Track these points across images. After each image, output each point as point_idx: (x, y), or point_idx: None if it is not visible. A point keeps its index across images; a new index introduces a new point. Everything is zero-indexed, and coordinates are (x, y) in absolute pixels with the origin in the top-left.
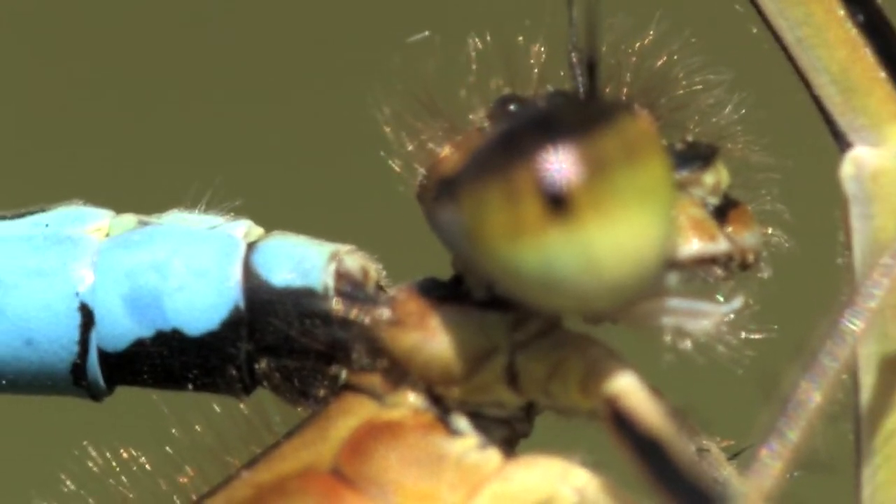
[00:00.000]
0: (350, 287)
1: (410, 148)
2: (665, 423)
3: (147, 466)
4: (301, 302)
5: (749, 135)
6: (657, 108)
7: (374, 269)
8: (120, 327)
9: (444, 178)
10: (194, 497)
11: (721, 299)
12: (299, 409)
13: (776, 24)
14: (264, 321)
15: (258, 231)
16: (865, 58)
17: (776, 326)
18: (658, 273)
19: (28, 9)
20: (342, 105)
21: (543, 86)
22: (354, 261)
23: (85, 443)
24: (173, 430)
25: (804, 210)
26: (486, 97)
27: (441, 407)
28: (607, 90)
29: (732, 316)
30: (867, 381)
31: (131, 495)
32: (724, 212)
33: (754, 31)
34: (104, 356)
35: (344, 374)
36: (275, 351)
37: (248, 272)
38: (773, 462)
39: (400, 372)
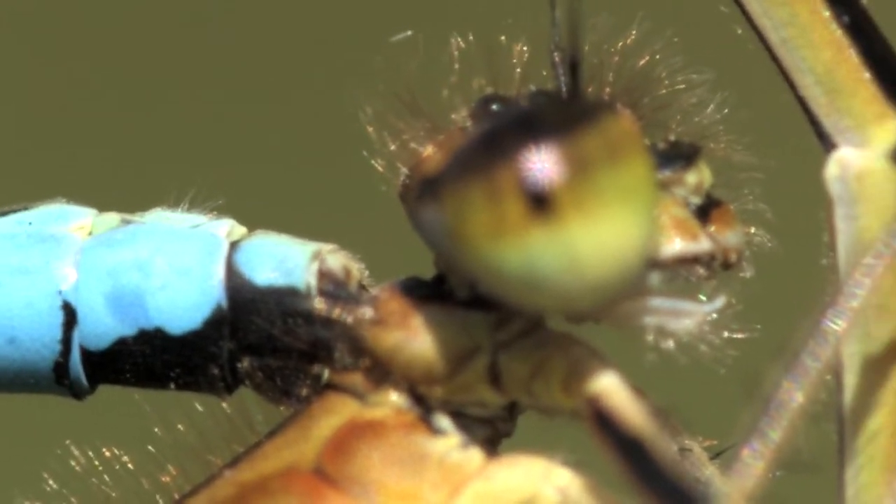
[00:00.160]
0: (332, 286)
1: (393, 147)
2: (647, 423)
3: (129, 465)
4: (283, 301)
5: (732, 134)
6: (640, 108)
7: (357, 269)
8: (102, 326)
9: (426, 178)
10: (177, 496)
11: (703, 299)
12: (282, 409)
13: (761, 25)
14: (247, 320)
15: (241, 230)
16: (850, 59)
17: (759, 326)
18: (640, 272)
19: (27, 9)
20: (325, 105)
21: (526, 85)
22: (337, 260)
23: (67, 442)
24: (156, 429)
25: (788, 210)
26: (469, 97)
27: (423, 406)
28: (590, 90)
29: (715, 315)
30: (850, 381)
31: (114, 494)
32: (706, 211)
33: (739, 31)
34: (87, 355)
35: (326, 373)
36: (257, 350)
37: (231, 271)
38: (755, 462)
39: (382, 371)
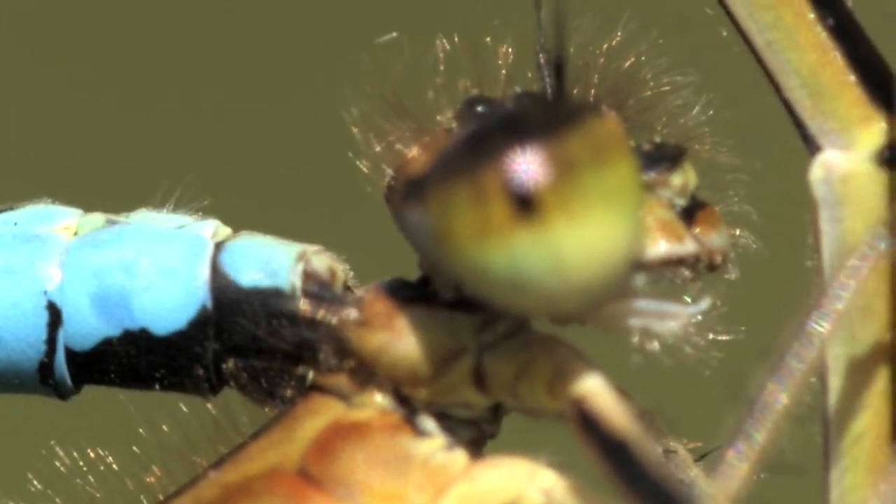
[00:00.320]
0: (317, 287)
1: (378, 148)
2: (631, 425)
3: (114, 466)
4: (268, 302)
5: (717, 136)
6: (625, 110)
7: (342, 270)
8: (87, 326)
9: (411, 179)
10: (161, 497)
11: (688, 300)
12: (266, 409)
13: (746, 27)
14: (232, 321)
15: (226, 231)
16: (835, 61)
17: (743, 328)
18: (625, 274)
19: (27, 8)
20: (310, 106)
21: (511, 87)
22: (322, 261)
23: (52, 442)
24: (140, 430)
25: (773, 212)
26: (454, 98)
27: (408, 407)
28: (575, 91)
29: (700, 317)
30: (835, 383)
31: (98, 495)
32: (691, 213)
33: (724, 33)
34: (71, 355)
35: (311, 374)
36: (242, 351)
37: (216, 272)
38: (739, 463)
39: (367, 372)
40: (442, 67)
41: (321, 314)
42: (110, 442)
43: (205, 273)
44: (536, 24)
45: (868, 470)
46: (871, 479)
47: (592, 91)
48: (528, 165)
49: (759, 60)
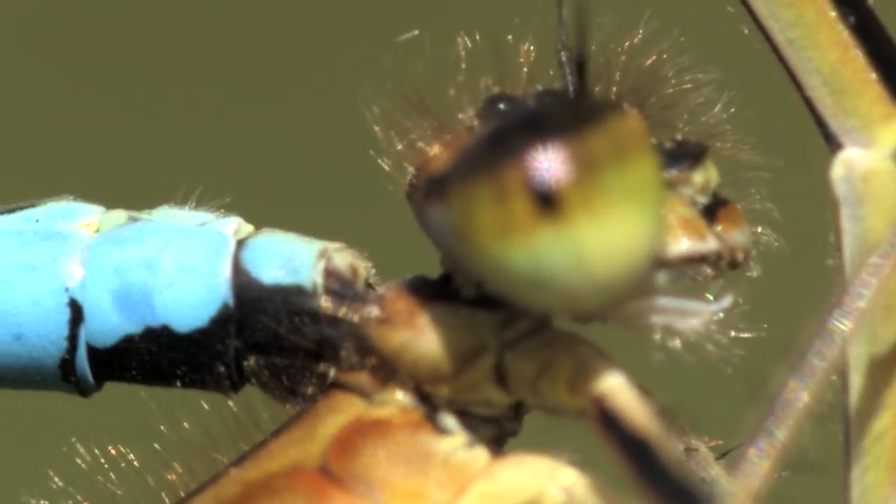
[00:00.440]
0: (339, 285)
1: (400, 147)
2: (652, 423)
3: (135, 463)
4: (290, 299)
5: (738, 134)
6: (646, 107)
7: (364, 267)
8: (109, 323)
9: (433, 177)
10: (182, 494)
11: (710, 298)
12: (288, 407)
13: (767, 25)
14: (253, 318)
15: (248, 228)
16: (856, 59)
17: (765, 325)
18: (647, 272)
19: (28, 9)
20: (332, 103)
21: (533, 85)
22: (343, 258)
23: (73, 439)
24: (162, 427)
25: (794, 210)
26: (476, 96)
27: (429, 405)
28: (596, 89)
29: (721, 315)
30: (856, 381)
31: (119, 492)
32: (713, 211)
33: (745, 31)
34: (93, 352)
35: (332, 371)
36: (263, 348)
37: (238, 269)
38: (761, 462)
39: (388, 370)
40: (463, 65)
41: (343, 312)
42: (131, 439)
43: (227, 270)
44: (558, 21)
45: (889, 468)
46: (893, 477)
47: (614, 89)
48: (549, 163)
49: (781, 58)
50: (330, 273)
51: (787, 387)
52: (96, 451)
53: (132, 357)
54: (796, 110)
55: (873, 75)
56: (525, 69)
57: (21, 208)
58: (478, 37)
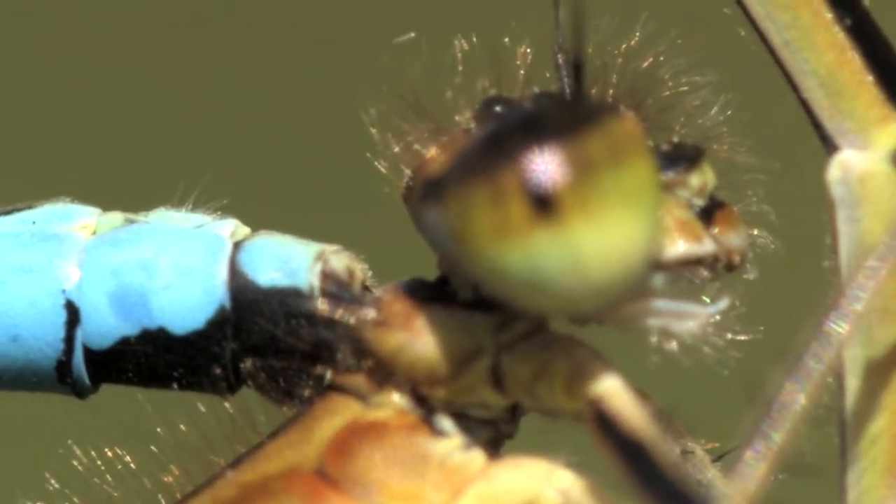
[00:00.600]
0: (336, 287)
1: (396, 149)
2: (649, 426)
3: (132, 465)
4: (287, 302)
5: (735, 136)
6: (643, 110)
7: (360, 270)
8: (105, 325)
9: (430, 179)
10: (179, 496)
11: (707, 300)
12: (284, 409)
13: (763, 27)
14: (250, 320)
15: (244, 230)
16: (853, 61)
17: (762, 328)
18: (644, 274)
19: (28, 9)
20: (329, 106)
21: (529, 87)
22: (340, 261)
23: (70, 441)
24: (158, 429)
25: (791, 212)
26: (473, 98)
27: (426, 407)
28: (593, 91)
29: (718, 317)
30: (852, 384)
31: (116, 494)
32: (709, 213)
33: (742, 33)
34: (89, 354)
35: (329, 374)
36: (260, 350)
37: (234, 271)
38: (757, 464)
39: (385, 372)
40: (460, 67)
41: (339, 314)
42: (128, 441)
43: (223, 272)
44: (555, 24)
45: (885, 471)
46: (889, 479)
47: (611, 91)
48: (546, 165)
49: (777, 60)
50: (326, 275)
51: (783, 389)
52: (93, 452)
53: (128, 359)
54: (793, 112)
55: (870, 77)
56: (522, 71)
57: (18, 210)
58: (474, 39)
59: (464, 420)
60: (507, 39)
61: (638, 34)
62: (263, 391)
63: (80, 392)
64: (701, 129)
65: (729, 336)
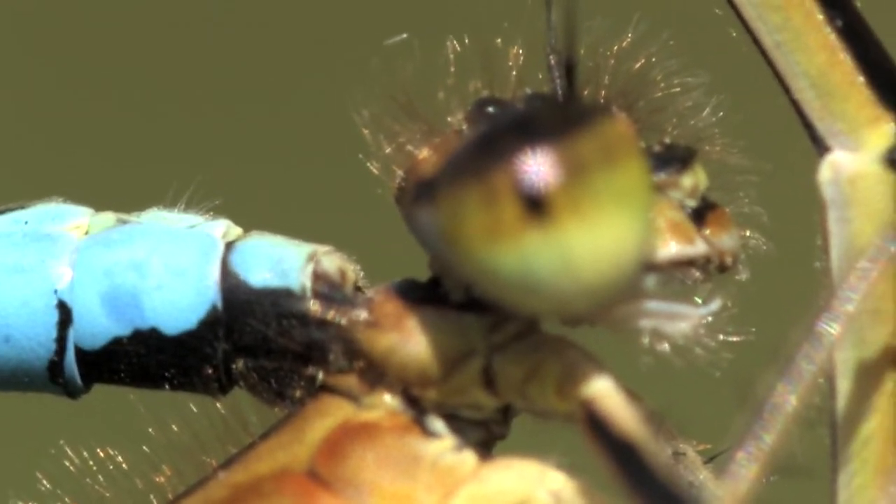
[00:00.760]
0: (327, 288)
1: (389, 150)
2: (640, 427)
3: (124, 465)
4: (279, 302)
5: (727, 137)
6: (635, 111)
7: (352, 270)
8: (98, 325)
9: (422, 181)
10: (170, 496)
11: (699, 302)
12: (276, 410)
13: (755, 28)
14: (242, 321)
15: (237, 231)
16: (844, 62)
17: (754, 329)
18: (636, 275)
19: (27, 8)
20: (321, 107)
21: (521, 88)
22: (332, 262)
23: (62, 441)
24: (150, 430)
25: (782, 213)
26: (465, 99)
27: (417, 408)
28: (585, 92)
29: (710, 318)
30: (844, 386)
31: (108, 494)
32: (701, 214)
33: (733, 34)
34: (81, 354)
35: (320, 375)
36: (252, 351)
37: (227, 272)
38: (748, 465)
39: (376, 373)
40: (452, 69)
41: (331, 315)
42: (120, 441)
43: (215, 273)
44: (547, 25)
45: (877, 472)
46: (880, 481)
47: (603, 92)
48: (538, 167)
49: (769, 61)
50: (319, 276)
51: (775, 390)
52: (84, 453)
53: (120, 359)
54: (784, 113)
55: (861, 78)
56: (514, 72)
57: (10, 210)
58: (467, 40)
59: (455, 421)
60: (499, 40)
61: (630, 35)
62: (255, 392)
63: (71, 392)
64: (693, 130)
65: (721, 337)
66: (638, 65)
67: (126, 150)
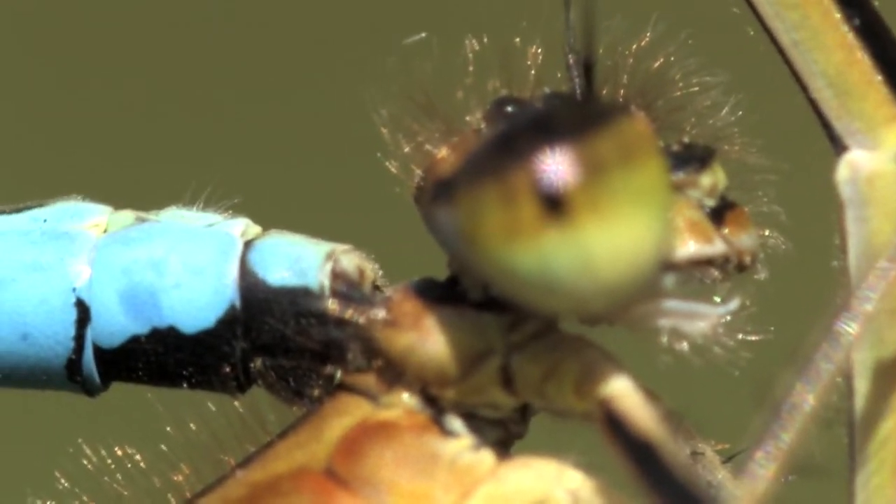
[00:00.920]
0: (346, 287)
1: (407, 149)
2: (659, 426)
3: (141, 464)
4: (297, 301)
5: (745, 137)
6: (654, 110)
7: (371, 269)
8: (116, 323)
9: (440, 180)
10: (188, 495)
11: (717, 301)
12: (294, 409)
13: (772, 27)
14: (260, 320)
15: (255, 229)
16: (861, 61)
17: (772, 328)
18: (654, 275)
19: (28, 9)
20: (340, 106)
21: (540, 87)
22: (351, 260)
23: (79, 440)
24: (168, 428)
25: (800, 212)
26: (483, 99)
27: (435, 408)
28: (604, 92)
29: (729, 318)
30: (862, 386)
31: (126, 493)
32: (720, 213)
33: (751, 33)
34: (99, 352)
35: (339, 373)
36: (270, 350)
37: (245, 270)
38: (766, 465)
39: (395, 372)
40: (471, 68)
41: (349, 314)
42: (138, 440)
43: (234, 271)
44: (566, 24)
45: (894, 472)
46: None
47: (621, 92)
48: (557, 166)
49: (786, 60)
50: (337, 275)
51: (793, 390)
52: (102, 451)
53: (138, 357)
54: (802, 112)
55: (878, 77)
56: (533, 72)
57: (29, 208)
58: (485, 39)
59: (473, 420)
60: (517, 40)
61: (648, 35)
62: (273, 390)
63: (90, 390)
64: (711, 129)
65: (739, 336)
66: (656, 64)
67: (145, 148)
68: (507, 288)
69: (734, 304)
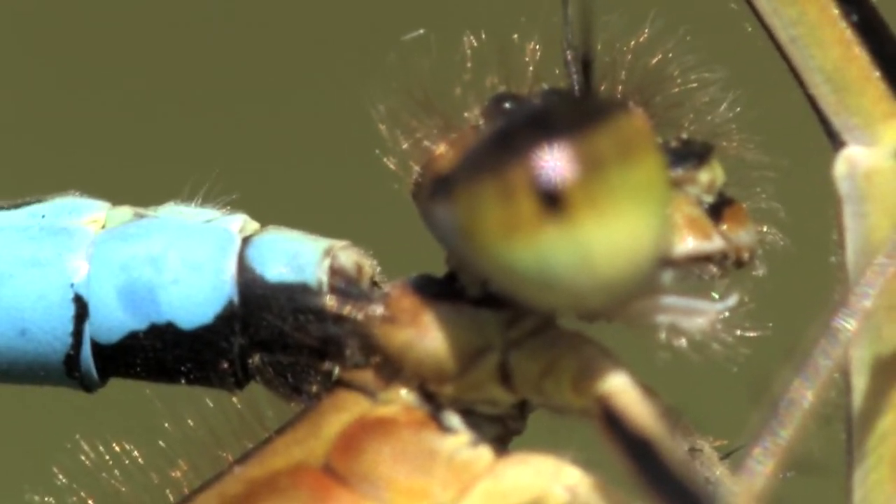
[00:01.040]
0: (344, 283)
1: (405, 146)
2: (657, 423)
3: (139, 460)
4: (295, 297)
5: (744, 133)
6: (652, 106)
7: (369, 266)
8: (114, 319)
9: (438, 176)
10: (186, 491)
11: (716, 297)
12: (292, 405)
13: (770, 23)
14: (258, 316)
15: (253, 225)
16: (859, 57)
17: (770, 325)
18: (653, 271)
19: (28, 9)
20: (338, 102)
21: (538, 84)
22: (349, 257)
23: (77, 436)
24: (166, 424)
25: (798, 208)
26: (482, 95)
27: (433, 404)
28: (602, 88)
29: (727, 314)
30: (860, 382)
31: (123, 489)
32: (718, 210)
33: (749, 29)
34: (97, 348)
35: (337, 370)
36: (268, 346)
37: (243, 267)
38: (765, 461)
39: (393, 369)
40: (469, 64)
41: (347, 310)
42: (136, 436)
43: (232, 268)
44: (564, 21)
45: (893, 468)
46: None
47: (620, 88)
48: (555, 162)
49: (784, 56)
50: (335, 271)
51: (791, 386)
52: (100, 447)
53: (137, 353)
54: (799, 108)
55: (876, 73)
56: (531, 68)
57: (27, 203)
58: (483, 36)
59: (471, 416)
60: (516, 36)
61: (646, 31)
62: (271, 386)
63: (87, 386)
64: (710, 125)
65: (738, 333)
66: (655, 60)
67: (144, 144)
68: (505, 284)
69: (732, 300)
